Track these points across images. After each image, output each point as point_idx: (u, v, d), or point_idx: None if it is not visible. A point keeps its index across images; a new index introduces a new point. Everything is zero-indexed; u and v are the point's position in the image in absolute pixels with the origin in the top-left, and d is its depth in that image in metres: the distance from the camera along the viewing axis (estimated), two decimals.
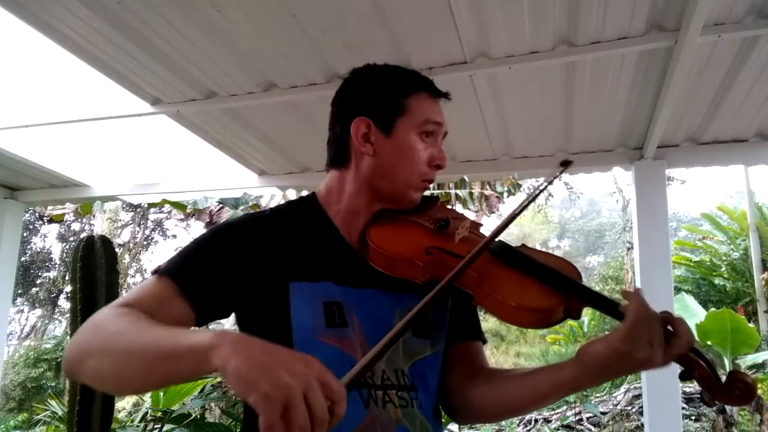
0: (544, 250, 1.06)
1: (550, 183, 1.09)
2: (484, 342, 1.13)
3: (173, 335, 0.76)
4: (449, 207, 1.23)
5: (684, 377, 0.87)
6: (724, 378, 0.84)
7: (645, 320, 0.83)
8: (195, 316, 0.91)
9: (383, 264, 0.98)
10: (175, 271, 0.93)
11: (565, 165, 1.10)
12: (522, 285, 0.92)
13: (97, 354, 0.81)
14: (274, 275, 0.95)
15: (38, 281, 16.85)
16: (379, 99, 1.05)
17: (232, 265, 0.95)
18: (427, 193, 1.13)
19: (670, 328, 0.84)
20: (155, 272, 0.93)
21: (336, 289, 0.97)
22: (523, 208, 1.02)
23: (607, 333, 0.91)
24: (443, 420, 1.10)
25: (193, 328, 0.91)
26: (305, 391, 0.63)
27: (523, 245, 1.04)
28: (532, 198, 1.05)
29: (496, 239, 0.97)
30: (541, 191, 1.10)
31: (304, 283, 0.95)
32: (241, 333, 0.76)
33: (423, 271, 0.96)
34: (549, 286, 0.92)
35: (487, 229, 1.03)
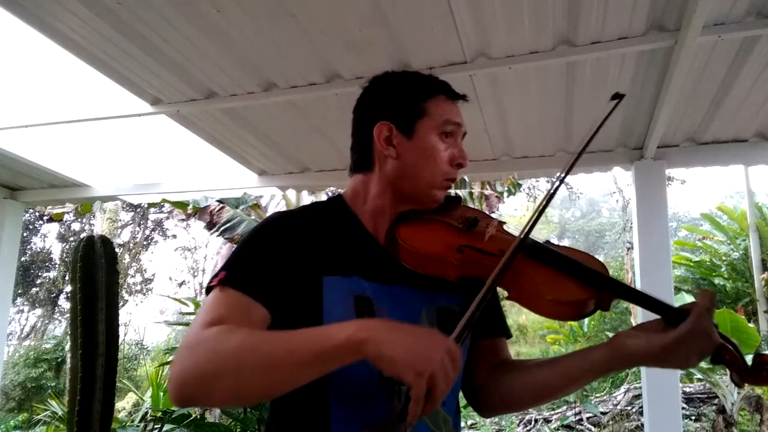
0: (567, 245, 1.09)
1: (603, 122, 1.12)
2: (509, 337, 1.17)
3: (312, 336, 0.81)
4: (473, 207, 1.26)
5: (714, 361, 0.90)
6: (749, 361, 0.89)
7: (701, 335, 0.86)
8: (269, 315, 0.93)
9: (416, 263, 1.01)
10: (237, 279, 0.93)
11: (619, 97, 1.13)
12: (555, 280, 0.97)
13: (230, 373, 0.80)
14: (309, 269, 0.97)
15: (38, 281, 16.85)
16: (400, 103, 1.08)
17: (280, 259, 0.97)
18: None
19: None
20: (217, 286, 0.93)
21: (366, 284, 0.99)
22: (564, 177, 1.10)
23: (619, 330, 0.93)
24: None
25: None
26: (443, 366, 0.76)
27: (548, 241, 1.07)
28: (572, 164, 1.10)
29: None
30: (589, 142, 1.13)
31: (336, 278, 0.97)
32: (375, 318, 0.84)
33: (456, 269, 0.99)
34: (580, 281, 0.96)
35: (510, 228, 1.07)
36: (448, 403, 1.02)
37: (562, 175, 1.12)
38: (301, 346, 0.80)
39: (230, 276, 0.93)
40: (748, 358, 0.90)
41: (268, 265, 0.96)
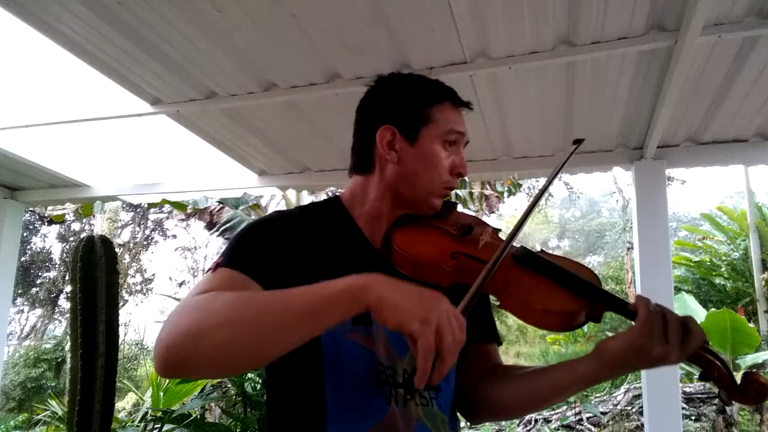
0: (561, 255, 1.11)
1: (566, 161, 1.13)
2: (500, 344, 1.17)
3: (311, 288, 0.78)
4: (468, 213, 1.26)
5: (703, 378, 0.92)
6: (738, 379, 0.89)
7: (656, 315, 0.88)
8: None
9: (409, 268, 1.00)
10: (234, 261, 0.91)
11: (578, 143, 1.15)
12: (546, 290, 0.96)
13: (222, 326, 0.75)
14: (306, 270, 0.96)
15: (38, 281, 16.86)
16: (405, 108, 1.07)
17: (277, 253, 0.95)
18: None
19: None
20: (213, 268, 0.92)
21: None
22: (540, 195, 1.10)
23: (619, 331, 0.95)
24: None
25: None
26: (448, 317, 0.74)
27: (543, 251, 1.07)
28: (546, 186, 1.12)
29: (519, 246, 1.02)
30: (556, 175, 1.15)
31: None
32: (377, 273, 0.78)
33: (449, 276, 0.98)
34: (572, 291, 0.96)
35: (505, 235, 1.07)
36: (444, 405, 1.01)
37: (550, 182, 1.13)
38: (298, 298, 0.77)
39: (226, 259, 0.92)
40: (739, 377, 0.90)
41: (267, 250, 0.95)
